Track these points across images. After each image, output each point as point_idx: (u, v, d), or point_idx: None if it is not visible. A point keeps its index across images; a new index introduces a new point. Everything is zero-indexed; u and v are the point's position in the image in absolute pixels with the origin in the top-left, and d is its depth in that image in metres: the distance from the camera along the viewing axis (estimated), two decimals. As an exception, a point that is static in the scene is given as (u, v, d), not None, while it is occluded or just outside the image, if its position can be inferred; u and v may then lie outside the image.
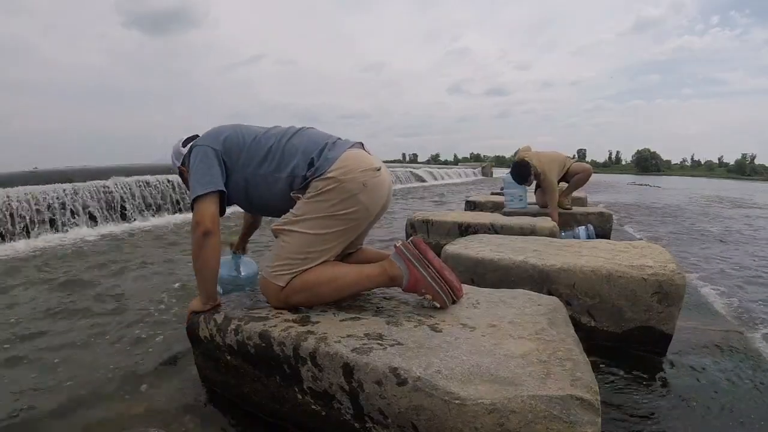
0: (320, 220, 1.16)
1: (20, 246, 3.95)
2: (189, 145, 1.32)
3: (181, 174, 1.41)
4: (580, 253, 1.76)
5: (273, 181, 1.22)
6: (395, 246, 1.17)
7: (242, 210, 1.44)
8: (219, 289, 1.59)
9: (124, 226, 5.04)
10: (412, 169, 17.35)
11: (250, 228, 1.64)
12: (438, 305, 1.15)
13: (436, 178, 17.95)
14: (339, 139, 1.29)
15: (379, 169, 1.21)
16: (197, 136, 1.37)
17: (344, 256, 1.37)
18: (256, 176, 1.23)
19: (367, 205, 1.18)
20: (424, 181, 16.64)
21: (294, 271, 1.16)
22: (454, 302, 1.18)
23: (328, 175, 1.15)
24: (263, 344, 1.08)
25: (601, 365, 1.43)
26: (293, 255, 1.16)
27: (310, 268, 1.17)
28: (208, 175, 1.19)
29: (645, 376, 1.39)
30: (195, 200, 1.17)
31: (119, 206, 5.30)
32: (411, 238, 1.20)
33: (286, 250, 1.17)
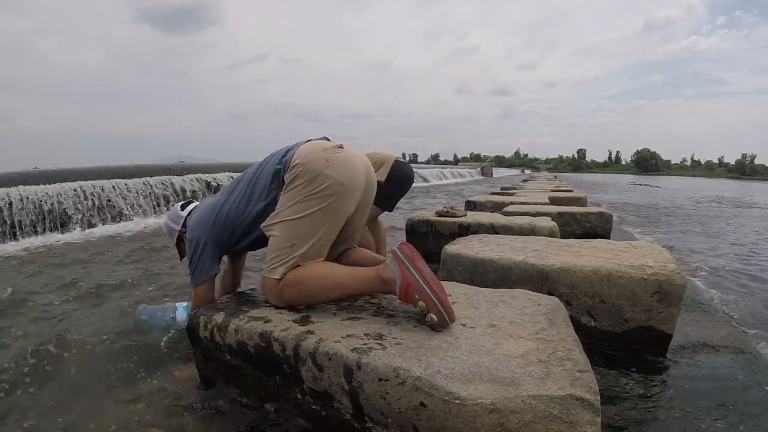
0: (297, 205, 1.19)
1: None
2: (188, 209, 1.52)
3: (180, 239, 1.53)
4: (580, 253, 1.76)
5: (266, 207, 1.26)
6: (392, 250, 1.15)
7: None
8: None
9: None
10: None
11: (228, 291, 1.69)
12: (435, 319, 1.03)
13: (427, 181, 17.80)
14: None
15: (341, 147, 1.25)
16: (192, 201, 1.58)
17: (338, 256, 1.39)
18: (256, 215, 1.29)
19: (339, 180, 1.18)
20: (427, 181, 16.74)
21: (285, 260, 1.18)
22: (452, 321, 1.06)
23: (293, 163, 1.20)
24: (263, 344, 1.08)
25: (601, 365, 1.43)
26: (281, 245, 1.19)
27: (302, 258, 1.18)
28: (201, 266, 1.36)
29: (645, 376, 1.39)
30: (194, 287, 1.38)
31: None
32: (405, 242, 1.18)
33: (274, 242, 1.21)
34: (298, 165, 1.19)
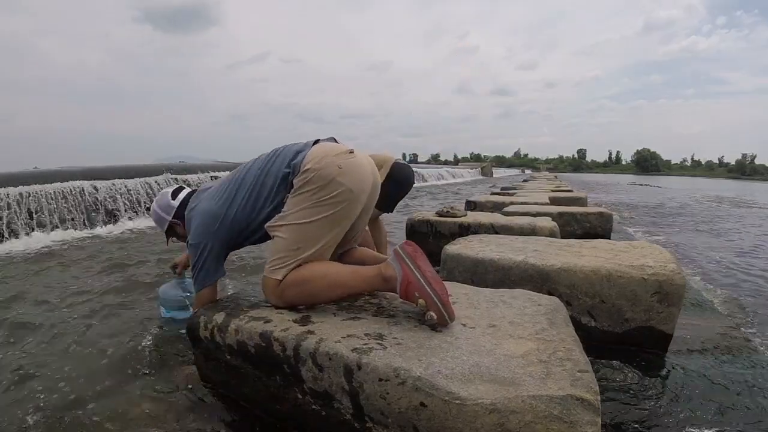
0: (306, 210, 1.18)
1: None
2: (179, 198, 1.48)
3: (170, 227, 1.50)
4: (580, 253, 1.76)
5: (272, 210, 1.26)
6: (394, 248, 1.15)
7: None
8: (163, 309, 1.84)
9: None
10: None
11: None
12: (434, 316, 1.03)
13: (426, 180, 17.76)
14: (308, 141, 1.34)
15: (352, 152, 1.24)
16: (183, 188, 1.53)
17: (339, 256, 1.39)
18: (265, 216, 1.27)
19: (350, 186, 1.19)
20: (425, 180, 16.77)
21: (288, 263, 1.18)
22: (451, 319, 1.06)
23: (304, 168, 1.19)
24: (263, 344, 1.08)
25: (601, 365, 1.43)
26: (287, 247, 1.19)
27: (305, 261, 1.18)
28: (206, 270, 1.32)
29: (645, 376, 1.39)
30: (198, 291, 1.35)
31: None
32: (408, 240, 1.18)
33: (280, 244, 1.20)
34: (310, 170, 1.18)
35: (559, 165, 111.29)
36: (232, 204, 1.29)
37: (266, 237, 1.30)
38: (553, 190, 7.10)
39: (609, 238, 3.34)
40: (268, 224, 1.24)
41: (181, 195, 1.49)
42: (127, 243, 4.17)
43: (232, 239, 1.33)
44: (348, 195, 1.19)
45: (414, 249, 1.11)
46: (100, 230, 4.90)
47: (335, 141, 1.34)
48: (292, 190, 1.21)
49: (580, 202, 5.62)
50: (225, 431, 1.15)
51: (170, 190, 1.53)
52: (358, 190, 1.21)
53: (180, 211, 1.45)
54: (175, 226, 1.50)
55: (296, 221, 1.18)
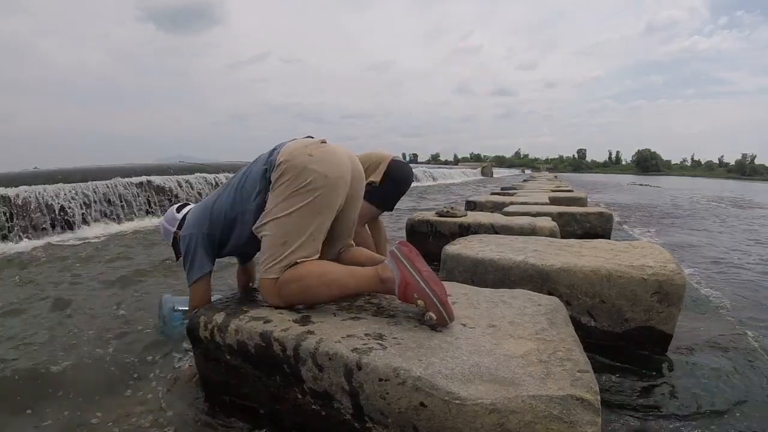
0: (285, 202, 1.19)
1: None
2: (183, 212, 1.55)
3: (175, 239, 1.56)
4: (580, 253, 1.76)
5: (256, 208, 1.28)
6: (390, 250, 1.15)
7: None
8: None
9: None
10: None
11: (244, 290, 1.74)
12: (434, 317, 1.03)
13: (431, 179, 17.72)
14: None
15: (324, 142, 1.27)
16: (187, 203, 1.61)
17: (337, 256, 1.41)
18: (245, 214, 1.31)
19: (324, 173, 1.19)
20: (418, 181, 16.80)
21: (279, 258, 1.18)
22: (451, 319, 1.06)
23: (278, 162, 1.21)
24: (263, 344, 1.08)
25: (601, 365, 1.43)
26: (274, 243, 1.20)
27: (297, 255, 1.18)
28: (195, 262, 1.37)
29: (645, 376, 1.39)
30: (190, 285, 1.39)
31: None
32: (403, 241, 1.18)
33: (267, 241, 1.22)
34: (284, 162, 1.20)
35: (559, 165, 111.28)
36: (219, 198, 1.37)
37: (253, 244, 1.31)
38: (553, 190, 7.10)
39: (609, 238, 3.34)
40: (255, 227, 1.25)
41: (186, 209, 1.57)
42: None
43: (217, 234, 1.37)
44: (323, 181, 1.19)
45: (410, 249, 1.11)
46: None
47: (311, 138, 1.36)
48: (271, 186, 1.23)
49: (580, 202, 5.62)
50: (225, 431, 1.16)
51: (176, 205, 1.62)
52: (333, 176, 1.22)
53: (183, 223, 1.50)
54: (179, 237, 1.53)
55: (277, 215, 1.19)
